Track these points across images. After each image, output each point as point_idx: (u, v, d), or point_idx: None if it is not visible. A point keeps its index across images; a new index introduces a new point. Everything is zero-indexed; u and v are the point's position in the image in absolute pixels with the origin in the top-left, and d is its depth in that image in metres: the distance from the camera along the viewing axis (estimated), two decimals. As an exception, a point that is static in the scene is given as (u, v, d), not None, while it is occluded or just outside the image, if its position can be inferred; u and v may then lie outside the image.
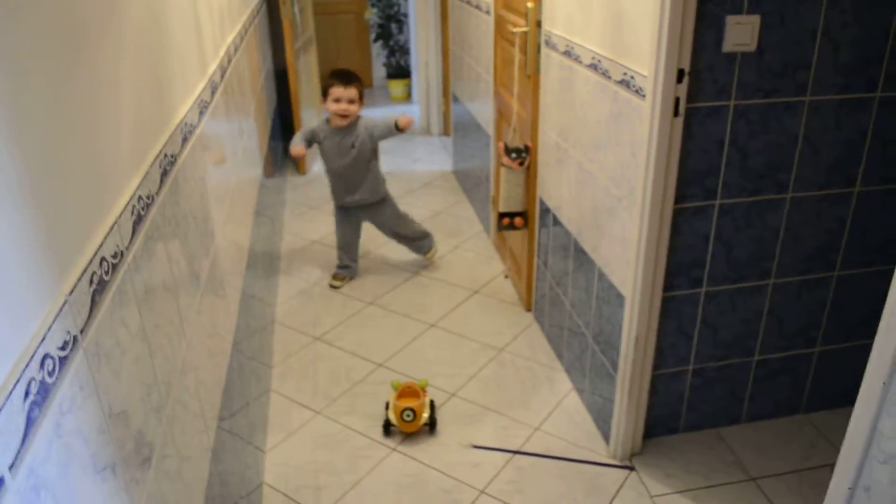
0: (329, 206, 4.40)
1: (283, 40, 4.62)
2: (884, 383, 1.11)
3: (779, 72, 1.89)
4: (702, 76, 1.85)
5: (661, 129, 1.82)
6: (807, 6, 1.83)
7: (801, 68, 1.90)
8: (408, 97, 6.86)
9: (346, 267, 3.50)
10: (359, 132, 3.24)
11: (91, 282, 0.93)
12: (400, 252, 3.74)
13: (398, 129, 3.20)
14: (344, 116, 3.18)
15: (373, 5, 6.87)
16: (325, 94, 3.22)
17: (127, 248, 1.09)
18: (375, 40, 7.00)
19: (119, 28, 1.18)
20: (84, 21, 1.01)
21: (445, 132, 5.66)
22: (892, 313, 1.08)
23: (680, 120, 1.85)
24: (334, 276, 3.49)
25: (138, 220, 1.16)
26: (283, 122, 5.05)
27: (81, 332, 0.88)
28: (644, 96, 1.85)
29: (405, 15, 6.80)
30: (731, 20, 1.79)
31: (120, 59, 1.17)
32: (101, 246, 0.97)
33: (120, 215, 1.07)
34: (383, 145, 5.50)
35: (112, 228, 1.03)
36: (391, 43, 6.90)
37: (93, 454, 0.87)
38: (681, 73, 1.79)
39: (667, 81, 1.78)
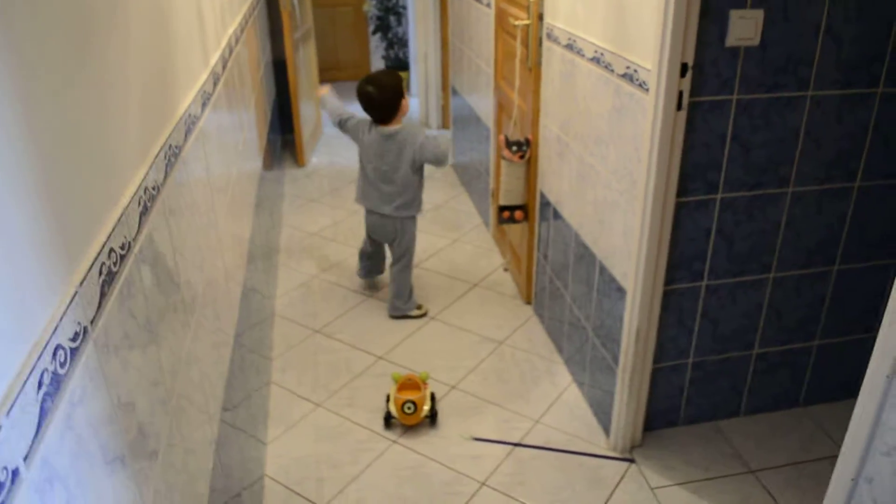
0: (328, 199, 4.40)
1: (282, 32, 4.61)
2: (887, 376, 1.12)
3: (781, 66, 1.90)
4: (705, 70, 1.85)
5: (664, 123, 1.83)
6: (810, 1, 1.83)
7: (804, 63, 1.91)
8: (406, 90, 6.84)
9: (364, 277, 3.35)
10: (405, 139, 2.94)
11: (100, 273, 0.93)
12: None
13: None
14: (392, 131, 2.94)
15: (371, -3, 6.85)
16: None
17: (134, 239, 1.09)
18: (374, 32, 6.97)
19: (126, 20, 1.18)
20: (92, 13, 1.01)
21: (444, 125, 5.65)
22: (895, 307, 1.08)
23: (683, 114, 1.85)
24: (363, 283, 3.35)
25: (144, 211, 1.16)
26: (281, 114, 5.04)
27: (91, 323, 0.88)
28: (647, 90, 1.85)
29: (404, 7, 6.78)
30: (734, 14, 1.79)
31: (127, 50, 1.17)
32: (109, 237, 0.97)
33: (127, 206, 1.07)
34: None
35: (120, 219, 1.02)
36: (390, 35, 6.88)
37: (102, 445, 0.88)
38: (684, 67, 1.79)
39: (670, 75, 1.78)
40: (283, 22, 4.50)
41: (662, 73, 1.78)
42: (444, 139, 3.06)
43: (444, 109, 5.58)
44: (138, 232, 1.11)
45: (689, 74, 1.81)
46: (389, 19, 6.85)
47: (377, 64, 7.25)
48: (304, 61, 4.96)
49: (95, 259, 0.92)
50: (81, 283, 0.86)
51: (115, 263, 0.98)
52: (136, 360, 1.04)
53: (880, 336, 1.14)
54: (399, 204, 2.98)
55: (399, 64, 6.85)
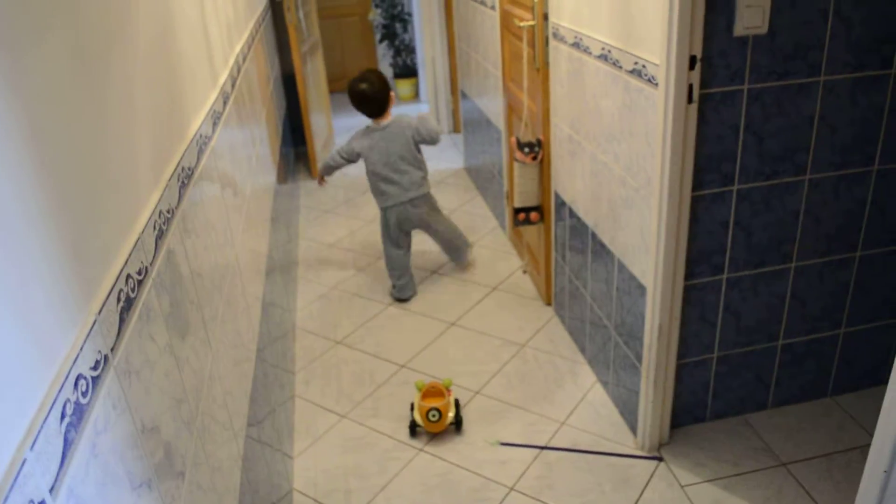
0: (343, 210, 4.42)
1: (289, 46, 4.63)
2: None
3: (791, 53, 1.87)
4: (714, 62, 1.83)
5: (675, 117, 1.81)
6: (817, -15, 1.81)
7: (814, 49, 1.88)
8: (415, 96, 6.86)
9: (399, 291, 3.36)
10: (396, 130, 3.18)
11: (119, 300, 0.93)
12: (417, 252, 3.74)
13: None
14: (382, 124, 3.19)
15: (376, 6, 6.87)
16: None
17: (151, 264, 1.09)
18: (381, 41, 7.00)
19: (133, 45, 1.19)
20: (98, 39, 1.02)
21: (455, 129, 5.65)
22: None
23: (694, 107, 1.84)
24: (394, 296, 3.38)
25: (160, 235, 1.17)
26: (293, 127, 5.07)
27: (112, 350, 0.88)
28: (657, 85, 1.84)
29: (409, 14, 6.80)
30: (741, 3, 1.78)
31: (135, 75, 1.18)
32: (126, 263, 0.98)
33: (143, 231, 1.07)
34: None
35: (136, 244, 1.03)
36: (396, 42, 6.90)
37: (128, 471, 0.88)
38: (693, 60, 1.78)
39: (679, 69, 1.76)
40: (289, 36, 4.53)
41: (671, 67, 1.76)
42: (431, 117, 3.32)
43: (455, 114, 5.58)
44: (155, 256, 1.12)
45: (698, 67, 1.79)
46: (395, 27, 6.87)
47: (385, 71, 7.27)
48: (313, 73, 4.98)
49: (113, 286, 0.92)
50: (100, 312, 0.87)
51: (132, 289, 0.99)
52: (159, 383, 1.05)
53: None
54: (418, 182, 3.21)
55: (407, 70, 6.87)
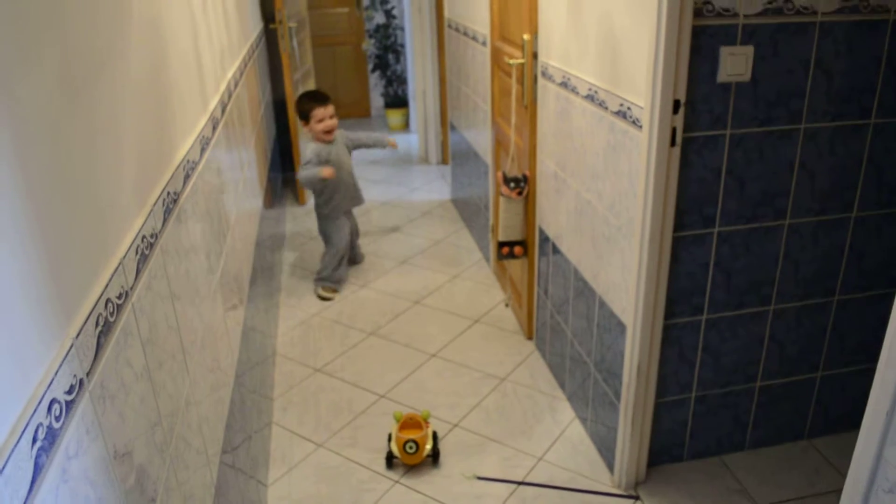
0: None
1: (282, 72, 4.67)
2: (887, 413, 1.11)
3: (773, 101, 1.92)
4: (697, 106, 1.87)
5: (658, 159, 1.84)
6: (799, 37, 1.86)
7: (796, 97, 1.93)
8: (406, 126, 6.91)
9: (342, 280, 3.75)
10: (340, 141, 3.68)
11: (97, 324, 0.93)
12: (400, 282, 3.75)
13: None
14: (330, 132, 3.58)
15: (370, 36, 6.95)
16: (305, 118, 3.56)
17: (132, 288, 1.09)
18: (373, 70, 7.07)
19: (120, 71, 1.20)
20: (84, 66, 1.03)
21: (444, 161, 5.69)
22: (892, 344, 1.08)
23: (677, 150, 1.87)
24: (327, 289, 3.67)
25: (142, 260, 1.17)
26: (282, 153, 5.09)
27: (87, 375, 0.88)
28: (641, 127, 1.88)
29: (402, 45, 6.88)
30: (725, 51, 1.82)
31: (122, 102, 1.19)
32: (106, 287, 0.98)
33: (125, 255, 1.08)
34: (379, 174, 5.56)
35: (117, 269, 1.03)
36: (388, 73, 6.97)
37: (99, 497, 0.87)
38: (676, 104, 1.81)
39: (663, 112, 1.80)
40: (282, 63, 4.56)
41: (655, 110, 1.80)
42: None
43: (444, 145, 5.62)
44: (136, 281, 1.12)
45: (681, 111, 1.83)
46: (388, 57, 6.95)
47: (376, 101, 7.34)
48: (304, 101, 5.01)
49: (92, 311, 0.92)
50: (77, 336, 0.87)
51: (111, 314, 0.99)
52: (134, 408, 1.04)
53: (878, 372, 1.14)
54: (359, 189, 3.81)
55: (398, 101, 6.93)
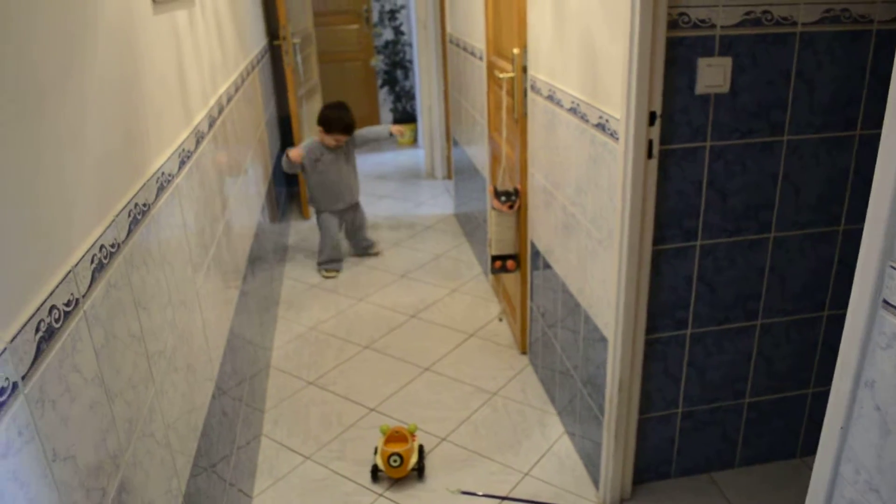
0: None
1: (286, 88, 4.72)
2: (841, 428, 1.10)
3: (754, 112, 1.91)
4: (675, 118, 1.86)
5: (634, 172, 1.84)
6: (779, 48, 1.85)
7: (777, 108, 1.92)
8: (414, 142, 6.95)
9: (338, 260, 4.16)
10: (342, 150, 4.08)
11: (38, 329, 0.95)
12: (398, 296, 3.75)
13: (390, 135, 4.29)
14: (337, 146, 4.04)
15: (379, 52, 7.01)
16: (328, 129, 3.95)
17: (84, 296, 1.11)
18: (382, 86, 7.12)
19: (83, 90, 1.22)
20: (39, 82, 1.05)
21: (449, 176, 5.71)
22: (843, 361, 1.07)
23: (654, 162, 1.86)
24: (329, 270, 4.11)
25: (100, 268, 1.18)
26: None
27: (23, 378, 0.89)
28: (618, 139, 1.87)
29: (410, 61, 6.93)
30: (702, 62, 1.82)
31: (83, 116, 1.20)
32: (51, 294, 0.99)
33: (77, 264, 1.09)
34: (386, 189, 5.57)
35: (66, 277, 1.05)
36: (397, 89, 7.02)
37: (30, 498, 0.88)
38: (653, 116, 1.81)
39: (638, 124, 1.79)
40: (286, 78, 4.61)
41: (630, 122, 1.79)
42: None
43: (449, 160, 5.64)
44: (90, 289, 1.13)
45: (657, 123, 1.82)
46: (397, 73, 7.00)
47: (385, 117, 7.39)
48: (309, 116, 5.06)
49: (32, 316, 0.93)
50: (12, 340, 0.88)
51: (56, 320, 1.00)
52: (81, 414, 1.05)
53: (833, 387, 1.12)
54: (357, 187, 4.22)
55: (407, 116, 6.98)
